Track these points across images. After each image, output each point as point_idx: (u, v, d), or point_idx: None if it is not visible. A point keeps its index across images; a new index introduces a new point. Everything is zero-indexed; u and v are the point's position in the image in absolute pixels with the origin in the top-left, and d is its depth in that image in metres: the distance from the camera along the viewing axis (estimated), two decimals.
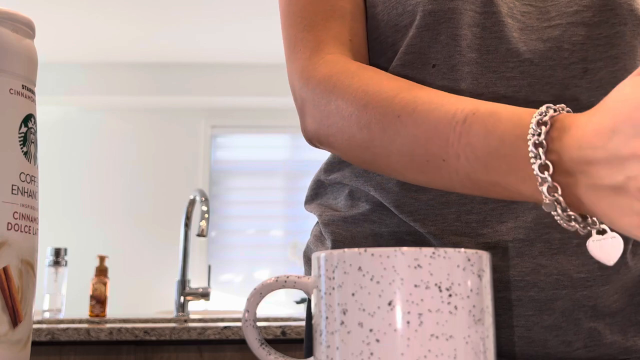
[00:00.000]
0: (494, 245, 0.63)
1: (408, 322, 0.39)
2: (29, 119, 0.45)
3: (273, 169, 4.19)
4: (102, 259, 2.12)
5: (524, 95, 0.63)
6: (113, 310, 2.18)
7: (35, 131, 0.46)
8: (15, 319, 0.42)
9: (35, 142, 0.45)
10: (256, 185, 4.14)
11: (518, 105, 0.61)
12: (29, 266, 0.44)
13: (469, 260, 0.41)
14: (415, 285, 0.39)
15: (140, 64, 3.96)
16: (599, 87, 0.64)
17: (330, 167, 0.75)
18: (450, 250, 0.40)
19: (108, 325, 1.58)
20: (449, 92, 0.61)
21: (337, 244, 0.71)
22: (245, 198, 4.16)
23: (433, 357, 0.39)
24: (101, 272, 2.10)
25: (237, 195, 4.17)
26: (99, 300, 2.06)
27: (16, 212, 0.43)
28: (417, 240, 0.66)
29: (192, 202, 2.10)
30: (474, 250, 0.41)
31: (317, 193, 0.76)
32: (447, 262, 0.40)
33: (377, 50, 0.68)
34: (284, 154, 4.27)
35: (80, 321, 1.98)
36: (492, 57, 0.63)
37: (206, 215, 2.02)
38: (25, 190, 0.43)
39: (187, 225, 2.09)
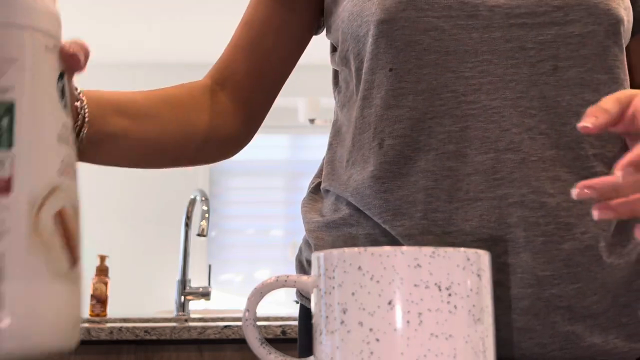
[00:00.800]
0: (460, 245, 0.64)
1: (408, 322, 0.39)
2: (62, 75, 0.46)
3: (273, 169, 4.19)
4: (102, 258, 2.12)
5: (485, 93, 0.65)
6: (113, 309, 2.18)
7: (68, 86, 0.48)
8: (73, 258, 0.43)
9: (68, 96, 0.47)
10: (256, 185, 4.14)
11: (481, 102, 0.65)
12: (77, 212, 0.45)
13: (468, 259, 0.41)
14: (415, 285, 0.39)
15: (140, 64, 3.96)
16: (566, 86, 0.65)
17: (320, 176, 0.78)
18: (450, 249, 0.40)
19: (108, 325, 1.58)
20: (407, 93, 0.66)
21: (318, 249, 0.72)
22: (245, 198, 4.16)
23: (433, 356, 0.39)
24: (102, 271, 2.10)
25: (237, 195, 4.17)
26: (99, 300, 2.06)
27: (62, 160, 0.44)
28: (391, 242, 0.67)
29: (192, 202, 2.10)
30: (473, 250, 0.41)
31: (312, 198, 0.78)
32: (447, 261, 0.40)
33: (348, 62, 0.73)
34: (284, 154, 4.27)
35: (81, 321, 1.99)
36: (450, 58, 0.66)
37: (206, 215, 2.02)
38: (67, 140, 0.45)
39: (187, 225, 2.09)
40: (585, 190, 0.51)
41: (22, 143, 0.41)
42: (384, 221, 0.66)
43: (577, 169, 0.65)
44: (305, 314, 0.79)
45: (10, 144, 0.41)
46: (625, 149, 0.66)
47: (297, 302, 0.81)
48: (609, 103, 0.54)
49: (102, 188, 3.97)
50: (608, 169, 0.65)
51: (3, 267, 0.39)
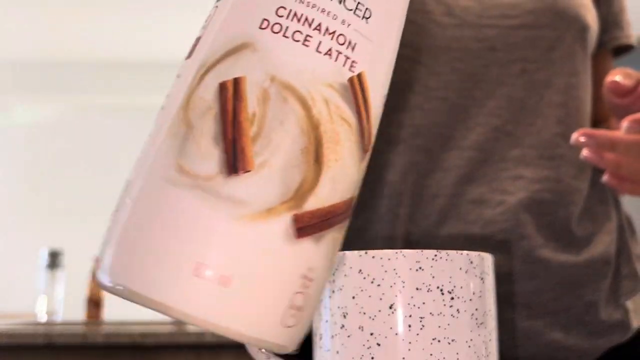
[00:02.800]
0: (417, 241, 0.65)
1: (409, 326, 0.38)
2: None
3: None
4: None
5: (454, 90, 0.67)
6: (110, 313, 2.17)
7: None
8: (234, 162, 0.32)
9: None
10: None
11: (450, 100, 0.67)
12: (290, 92, 0.33)
13: (471, 262, 0.40)
14: (417, 288, 0.39)
15: (140, 64, 3.96)
16: (532, 88, 0.68)
17: None
18: (452, 252, 0.40)
19: (105, 328, 1.58)
20: None
21: None
22: None
23: None
24: None
25: None
26: (95, 303, 2.05)
27: (283, 6, 0.34)
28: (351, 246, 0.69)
29: None
30: (476, 253, 0.41)
31: None
32: (449, 264, 0.39)
33: None
34: None
35: (77, 324, 1.98)
36: (424, 53, 0.68)
37: None
38: None
39: None
40: (582, 138, 0.52)
41: None
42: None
43: (540, 167, 0.66)
44: None
45: None
46: None
47: None
48: (629, 72, 0.56)
49: (99, 189, 3.96)
50: (572, 169, 0.67)
51: None
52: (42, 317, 2.04)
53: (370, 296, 0.39)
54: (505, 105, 0.67)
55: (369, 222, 0.67)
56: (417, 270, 0.39)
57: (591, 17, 0.71)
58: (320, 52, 0.34)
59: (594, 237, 0.68)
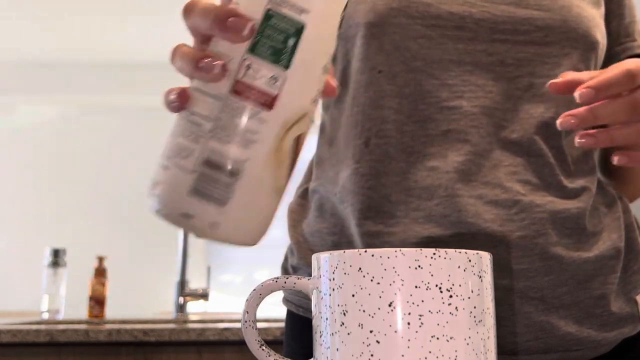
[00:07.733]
0: (437, 240, 0.66)
1: (408, 323, 0.39)
2: (346, 6, 0.47)
3: None
4: (101, 259, 2.12)
5: (466, 99, 0.69)
6: (112, 311, 2.17)
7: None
8: (289, 177, 0.45)
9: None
10: None
11: (462, 108, 0.69)
12: (306, 137, 0.47)
13: (469, 261, 0.40)
14: (416, 286, 0.39)
15: (140, 64, 3.96)
16: (540, 102, 0.70)
17: (307, 182, 0.80)
18: (450, 251, 0.40)
19: (107, 326, 1.58)
20: (394, 95, 0.70)
21: (302, 257, 0.75)
22: None
23: (433, 358, 0.39)
24: (100, 272, 2.10)
25: None
26: (97, 301, 2.06)
27: (318, 89, 0.45)
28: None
29: None
30: (474, 251, 0.41)
31: (299, 204, 0.80)
32: (448, 262, 0.40)
33: (335, 61, 0.77)
34: None
35: (79, 322, 1.98)
36: (436, 66, 0.70)
37: None
38: (328, 70, 0.45)
39: None
40: (568, 118, 0.56)
41: (297, 68, 0.42)
42: (365, 217, 0.69)
43: (545, 176, 0.69)
44: (291, 319, 0.80)
45: (287, 65, 0.42)
46: (586, 165, 0.73)
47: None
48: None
49: (100, 189, 3.96)
50: (568, 181, 0.70)
51: (244, 170, 0.42)
52: (45, 315, 2.04)
53: (369, 294, 0.39)
54: (511, 118, 0.70)
55: (386, 225, 0.69)
56: (416, 268, 0.39)
57: (600, 34, 0.73)
58: None
59: (602, 234, 0.71)
